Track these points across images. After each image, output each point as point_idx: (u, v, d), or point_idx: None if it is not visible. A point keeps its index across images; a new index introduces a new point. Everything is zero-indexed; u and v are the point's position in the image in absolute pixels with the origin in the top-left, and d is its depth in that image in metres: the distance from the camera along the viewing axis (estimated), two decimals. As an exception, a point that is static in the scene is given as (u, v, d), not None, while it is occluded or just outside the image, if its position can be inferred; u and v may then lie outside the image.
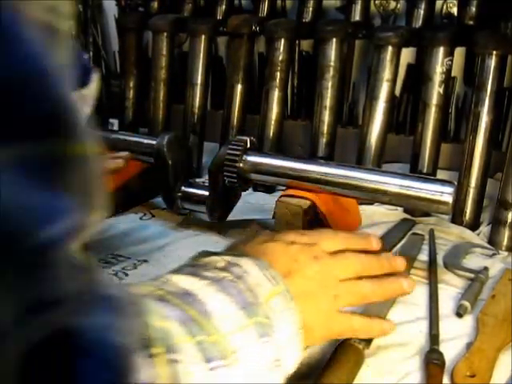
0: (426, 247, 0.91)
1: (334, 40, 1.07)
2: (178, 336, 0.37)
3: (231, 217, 0.95)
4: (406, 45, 1.04)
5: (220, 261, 0.48)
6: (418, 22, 1.12)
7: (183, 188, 0.96)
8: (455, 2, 1.13)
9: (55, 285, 0.27)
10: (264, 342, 0.43)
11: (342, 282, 0.56)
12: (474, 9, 1.06)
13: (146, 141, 0.99)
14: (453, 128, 1.18)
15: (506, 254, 0.90)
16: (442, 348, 0.66)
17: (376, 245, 0.61)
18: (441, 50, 0.98)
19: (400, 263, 0.60)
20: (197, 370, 0.37)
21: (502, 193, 0.92)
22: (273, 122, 1.15)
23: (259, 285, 0.45)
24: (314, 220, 0.81)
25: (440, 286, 0.80)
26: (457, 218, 0.99)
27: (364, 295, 0.58)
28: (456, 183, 0.77)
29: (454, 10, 1.13)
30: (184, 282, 0.44)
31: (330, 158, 1.10)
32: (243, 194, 0.95)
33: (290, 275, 0.52)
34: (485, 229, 0.98)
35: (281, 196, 0.84)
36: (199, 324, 0.39)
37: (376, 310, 0.73)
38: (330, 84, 1.09)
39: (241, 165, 0.87)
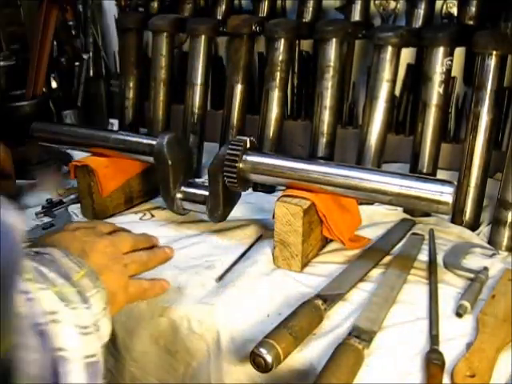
0: (426, 247, 0.91)
1: (334, 40, 1.07)
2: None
3: (231, 217, 0.95)
4: (406, 45, 1.04)
5: (30, 252, 0.54)
6: (418, 22, 1.12)
7: (183, 188, 0.96)
8: (455, 2, 1.13)
9: None
10: (85, 307, 0.51)
11: (126, 254, 0.68)
12: (473, 9, 1.06)
13: (145, 141, 0.99)
14: (453, 128, 1.18)
15: (505, 254, 0.90)
16: (442, 348, 0.66)
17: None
18: (441, 50, 0.98)
19: (155, 239, 0.77)
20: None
21: (502, 193, 0.92)
22: (273, 122, 1.15)
23: (70, 268, 0.53)
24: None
25: (440, 285, 0.80)
26: (457, 217, 0.99)
27: (145, 262, 0.71)
28: (456, 183, 0.77)
29: (454, 10, 1.13)
30: None
31: (330, 158, 1.10)
32: (243, 194, 0.96)
33: (85, 255, 0.61)
34: (485, 229, 0.98)
35: (281, 196, 0.84)
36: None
37: (376, 310, 0.73)
38: (330, 84, 1.09)
39: (241, 165, 0.87)
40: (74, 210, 1.06)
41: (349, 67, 1.21)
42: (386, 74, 1.02)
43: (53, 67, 1.42)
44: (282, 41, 1.13)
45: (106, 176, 1.01)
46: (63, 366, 0.45)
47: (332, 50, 1.08)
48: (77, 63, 1.51)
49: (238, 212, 0.98)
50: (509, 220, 0.91)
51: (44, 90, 1.33)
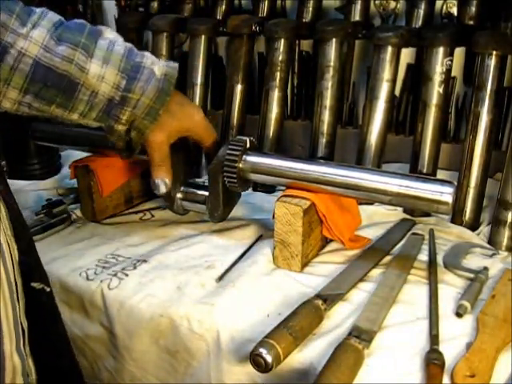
0: (426, 247, 0.91)
1: (334, 40, 1.07)
2: None
3: (231, 217, 0.95)
4: (406, 45, 1.05)
5: None
6: (418, 22, 1.12)
7: (183, 188, 0.96)
8: (455, 2, 1.13)
9: None
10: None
11: None
12: (473, 9, 1.06)
13: (145, 141, 0.99)
14: (453, 128, 1.18)
15: (505, 254, 0.90)
16: (442, 348, 0.66)
17: None
18: (441, 50, 0.98)
19: None
20: None
21: (502, 193, 0.92)
22: (273, 122, 1.16)
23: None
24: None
25: (440, 285, 0.80)
26: (457, 218, 1.00)
27: None
28: (456, 183, 0.77)
29: (454, 10, 1.13)
30: None
31: (330, 158, 1.10)
32: (243, 194, 0.96)
33: None
34: (485, 229, 0.98)
35: (281, 196, 0.84)
36: None
37: (376, 310, 0.73)
38: (330, 84, 1.09)
39: (241, 165, 0.87)
40: (74, 209, 1.06)
41: (349, 67, 1.21)
42: (386, 74, 1.02)
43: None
44: (282, 41, 1.13)
45: (105, 176, 1.01)
46: None
47: (332, 50, 1.08)
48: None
49: (238, 212, 0.98)
50: (509, 220, 0.91)
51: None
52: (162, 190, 0.83)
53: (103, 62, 0.70)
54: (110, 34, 0.74)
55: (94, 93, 0.71)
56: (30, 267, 0.68)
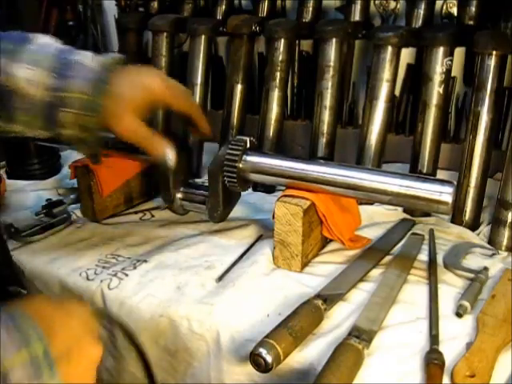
0: (425, 247, 0.91)
1: (334, 40, 1.07)
2: None
3: (231, 217, 0.95)
4: (406, 45, 1.05)
5: None
6: (418, 22, 1.12)
7: (183, 188, 0.96)
8: (455, 2, 1.13)
9: None
10: None
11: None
12: (473, 9, 1.06)
13: (145, 141, 0.99)
14: (453, 128, 1.18)
15: (505, 254, 0.90)
16: (442, 348, 0.66)
17: None
18: (441, 50, 0.98)
19: None
20: None
21: (502, 193, 0.92)
22: (273, 122, 1.15)
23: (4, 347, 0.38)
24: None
25: (440, 285, 0.80)
26: (457, 217, 1.00)
27: None
28: (456, 183, 0.77)
29: (454, 10, 1.13)
30: None
31: (330, 158, 1.10)
32: (243, 193, 0.96)
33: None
34: (485, 229, 0.98)
35: (281, 196, 0.84)
36: None
37: (376, 310, 0.73)
38: (330, 84, 1.09)
39: (241, 165, 0.87)
40: (74, 209, 1.06)
41: (349, 67, 1.21)
42: (386, 74, 1.02)
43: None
44: (282, 41, 1.13)
45: (105, 176, 1.01)
46: None
47: (332, 50, 1.08)
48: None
49: (238, 212, 0.98)
50: (509, 220, 0.91)
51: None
52: (170, 164, 0.72)
53: (32, 65, 0.65)
54: (43, 39, 0.68)
55: (27, 99, 0.66)
56: (8, 277, 0.65)
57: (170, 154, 0.72)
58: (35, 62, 0.65)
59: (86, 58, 0.67)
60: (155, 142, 0.72)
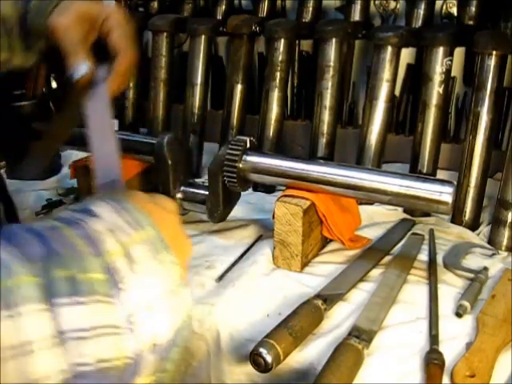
0: (425, 247, 0.91)
1: (334, 40, 1.07)
2: None
3: (231, 217, 0.95)
4: (406, 45, 1.05)
5: (66, 212, 0.38)
6: (418, 22, 1.12)
7: (183, 188, 0.96)
8: (455, 2, 1.13)
9: None
10: (88, 301, 0.32)
11: None
12: (473, 9, 1.06)
13: (145, 141, 0.99)
14: (453, 128, 1.18)
15: (505, 254, 0.90)
16: (442, 348, 0.66)
17: None
18: (441, 50, 0.98)
19: None
20: None
21: (502, 193, 0.92)
22: (273, 122, 1.15)
23: (111, 230, 0.36)
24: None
25: (440, 285, 0.80)
26: (457, 217, 0.99)
27: None
28: (456, 183, 0.77)
29: (454, 10, 1.13)
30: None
31: (330, 158, 1.10)
32: (243, 193, 0.96)
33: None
34: (485, 229, 0.98)
35: (281, 196, 0.84)
36: None
37: (376, 310, 0.73)
38: (330, 84, 1.09)
39: (240, 165, 0.87)
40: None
41: (349, 67, 1.21)
42: (386, 74, 1.02)
43: (53, 67, 1.42)
44: (282, 41, 1.13)
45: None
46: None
47: (332, 50, 1.08)
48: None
49: (238, 212, 0.98)
50: (509, 220, 0.91)
51: (44, 89, 1.33)
52: (83, 70, 0.63)
53: None
54: None
55: (2, 20, 0.64)
56: None
57: (80, 69, 0.63)
58: None
59: None
60: (77, 50, 0.64)
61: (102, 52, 0.69)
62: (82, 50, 0.65)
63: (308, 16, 1.22)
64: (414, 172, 1.02)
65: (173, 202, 0.47)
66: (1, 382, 0.28)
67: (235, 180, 0.87)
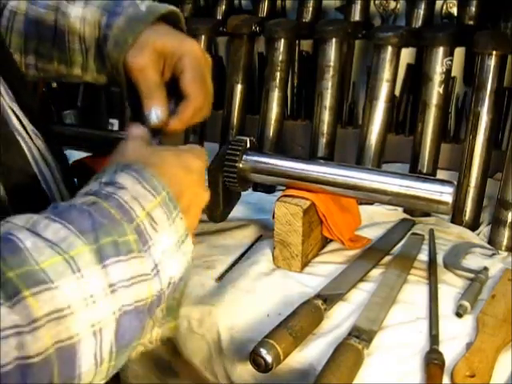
0: (425, 247, 0.91)
1: (334, 40, 1.07)
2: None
3: (231, 217, 0.95)
4: (406, 45, 1.05)
5: (95, 185, 0.46)
6: (418, 22, 1.12)
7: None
8: (455, 2, 1.13)
9: None
10: (128, 258, 0.42)
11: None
12: (473, 9, 1.06)
13: (145, 141, 0.99)
14: (453, 128, 1.18)
15: (505, 254, 0.90)
16: (442, 348, 0.66)
17: None
18: (441, 50, 0.98)
19: None
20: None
21: (502, 193, 0.92)
22: (273, 122, 1.15)
23: (135, 199, 0.44)
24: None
25: (440, 285, 0.80)
26: (457, 217, 0.99)
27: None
28: (456, 183, 0.77)
29: (454, 10, 1.13)
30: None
31: (330, 158, 1.10)
32: (243, 194, 0.95)
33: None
34: (485, 229, 0.98)
35: (281, 196, 0.84)
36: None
37: (376, 310, 0.73)
38: (330, 84, 1.09)
39: (241, 165, 0.87)
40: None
41: (349, 67, 1.21)
42: (386, 74, 1.02)
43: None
44: (282, 41, 1.12)
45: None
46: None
47: (332, 50, 1.08)
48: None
49: (238, 212, 0.98)
50: (509, 220, 0.91)
51: (44, 89, 1.33)
52: (154, 119, 0.66)
53: (84, 3, 0.67)
54: None
55: (81, 38, 0.67)
56: None
57: (156, 112, 0.66)
58: (87, 2, 0.67)
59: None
60: (153, 94, 0.67)
61: (173, 88, 0.70)
62: (157, 94, 0.66)
63: (308, 16, 1.22)
64: (414, 172, 1.02)
65: (198, 157, 0.55)
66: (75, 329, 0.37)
67: (235, 180, 0.87)
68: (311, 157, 1.11)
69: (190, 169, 0.52)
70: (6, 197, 0.48)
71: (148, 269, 0.43)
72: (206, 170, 0.58)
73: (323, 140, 1.11)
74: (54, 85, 1.46)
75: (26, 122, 0.56)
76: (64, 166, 0.61)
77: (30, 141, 0.55)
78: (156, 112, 0.66)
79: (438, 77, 0.98)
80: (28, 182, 0.52)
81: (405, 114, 1.20)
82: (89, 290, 0.39)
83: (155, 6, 0.68)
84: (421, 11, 1.12)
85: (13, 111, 0.55)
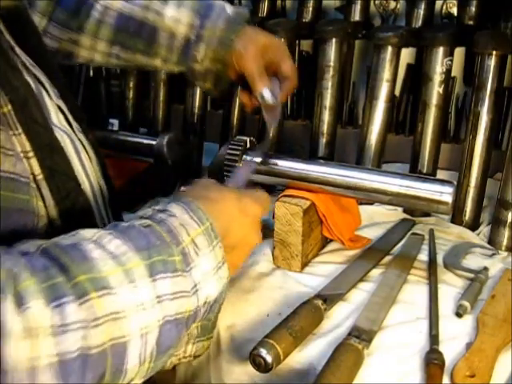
0: (425, 247, 0.91)
1: (334, 40, 1.07)
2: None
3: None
4: (406, 45, 1.05)
5: (149, 211, 0.52)
6: (418, 22, 1.12)
7: (183, 188, 0.96)
8: (455, 2, 1.13)
9: None
10: (173, 276, 0.47)
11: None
12: (473, 9, 1.06)
13: (145, 141, 1.00)
14: (453, 128, 1.18)
15: (505, 254, 0.90)
16: (442, 348, 0.66)
17: None
18: (441, 50, 0.98)
19: None
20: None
21: (502, 193, 0.92)
22: (273, 122, 1.15)
23: (183, 226, 0.50)
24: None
25: (440, 285, 0.80)
26: (457, 217, 1.00)
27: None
28: (456, 183, 0.77)
29: (454, 10, 1.13)
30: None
31: (330, 158, 1.10)
32: (243, 194, 0.95)
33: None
34: (485, 229, 0.98)
35: (281, 196, 0.84)
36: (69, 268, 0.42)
37: (376, 310, 0.73)
38: (330, 84, 1.09)
39: (241, 165, 0.87)
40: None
41: (349, 67, 1.21)
42: (386, 74, 1.02)
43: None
44: (282, 41, 1.12)
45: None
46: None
47: (332, 50, 1.08)
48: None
49: (237, 212, 0.98)
50: (509, 220, 0.91)
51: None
52: (268, 97, 0.79)
53: (177, 5, 0.78)
54: None
55: (172, 36, 0.78)
56: None
57: (265, 93, 0.79)
58: (180, 3, 0.79)
59: (223, 3, 0.80)
60: (263, 77, 0.79)
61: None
62: (265, 77, 0.80)
63: (308, 16, 1.22)
64: (414, 172, 1.02)
65: (260, 204, 0.62)
66: (126, 331, 0.42)
67: (235, 180, 0.87)
68: (311, 157, 1.11)
69: (245, 212, 0.58)
70: (52, 201, 0.51)
71: (189, 287, 0.48)
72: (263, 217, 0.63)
73: (323, 140, 1.11)
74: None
75: (71, 118, 0.60)
76: (102, 160, 0.66)
77: (75, 137, 0.59)
78: (266, 91, 0.79)
79: (438, 77, 0.98)
80: (72, 186, 0.55)
81: (405, 113, 1.20)
82: (141, 298, 0.44)
83: (240, 10, 0.81)
84: (421, 11, 1.12)
85: (59, 108, 0.59)
